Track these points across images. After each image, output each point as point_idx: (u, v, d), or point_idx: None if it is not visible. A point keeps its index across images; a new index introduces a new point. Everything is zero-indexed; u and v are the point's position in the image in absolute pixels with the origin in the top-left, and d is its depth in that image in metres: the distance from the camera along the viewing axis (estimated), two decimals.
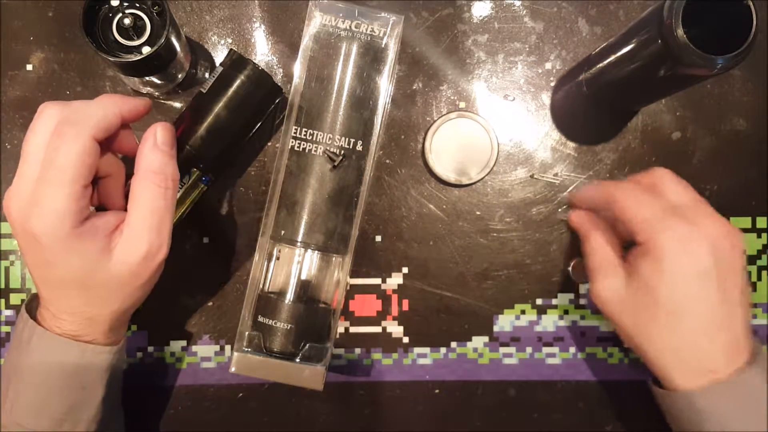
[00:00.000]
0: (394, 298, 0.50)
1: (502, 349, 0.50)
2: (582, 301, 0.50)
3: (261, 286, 0.45)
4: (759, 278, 0.51)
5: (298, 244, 0.44)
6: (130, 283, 0.38)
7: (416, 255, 0.50)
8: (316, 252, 0.45)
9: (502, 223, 0.50)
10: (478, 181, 0.49)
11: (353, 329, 0.50)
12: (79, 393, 0.40)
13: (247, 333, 0.44)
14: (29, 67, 0.49)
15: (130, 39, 0.42)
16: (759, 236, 0.51)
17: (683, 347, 0.38)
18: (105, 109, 0.37)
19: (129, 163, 0.40)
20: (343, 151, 0.44)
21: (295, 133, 0.44)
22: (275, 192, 0.44)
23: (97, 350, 0.39)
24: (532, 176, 0.50)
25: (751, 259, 0.51)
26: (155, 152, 0.38)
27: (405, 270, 0.50)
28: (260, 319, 0.43)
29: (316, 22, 0.44)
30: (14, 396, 0.39)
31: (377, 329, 0.50)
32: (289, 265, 0.45)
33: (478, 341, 0.50)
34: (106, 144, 0.38)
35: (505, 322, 0.50)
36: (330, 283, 0.46)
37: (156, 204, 0.37)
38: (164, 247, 0.38)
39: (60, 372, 0.39)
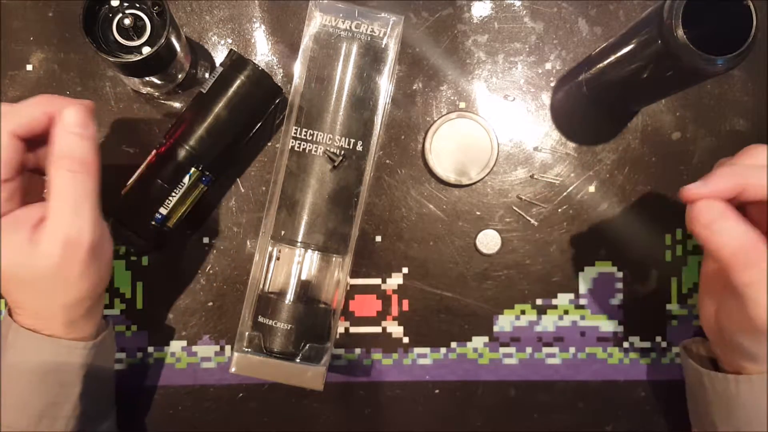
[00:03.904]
0: (394, 298, 0.50)
1: (502, 350, 0.50)
2: (582, 302, 0.50)
3: (261, 286, 0.45)
4: None
5: (298, 244, 0.44)
6: (63, 275, 0.36)
7: (416, 255, 0.50)
8: (316, 252, 0.45)
9: (502, 223, 0.50)
10: (478, 181, 0.49)
11: (353, 329, 0.50)
12: (56, 390, 0.39)
13: (247, 333, 0.44)
14: (29, 67, 0.49)
15: (130, 39, 0.42)
16: None
17: None
18: (33, 108, 0.36)
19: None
20: (343, 152, 0.44)
21: (295, 133, 0.44)
22: (275, 192, 0.44)
23: (72, 346, 0.39)
24: (532, 176, 0.50)
25: None
26: (64, 136, 0.36)
27: (405, 270, 0.50)
28: (260, 319, 0.43)
29: (316, 22, 0.44)
30: None
31: (377, 329, 0.50)
32: (289, 266, 0.45)
33: (478, 341, 0.50)
34: (40, 142, 0.37)
35: (505, 323, 0.50)
36: (330, 283, 0.46)
37: (68, 189, 0.36)
38: (85, 232, 0.36)
39: (36, 369, 0.39)
